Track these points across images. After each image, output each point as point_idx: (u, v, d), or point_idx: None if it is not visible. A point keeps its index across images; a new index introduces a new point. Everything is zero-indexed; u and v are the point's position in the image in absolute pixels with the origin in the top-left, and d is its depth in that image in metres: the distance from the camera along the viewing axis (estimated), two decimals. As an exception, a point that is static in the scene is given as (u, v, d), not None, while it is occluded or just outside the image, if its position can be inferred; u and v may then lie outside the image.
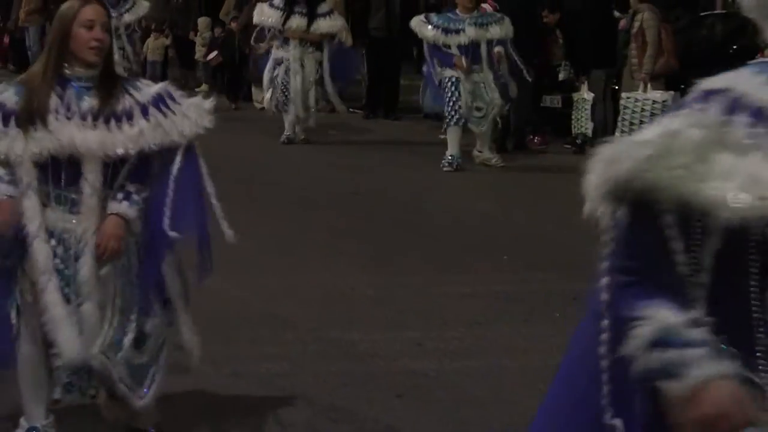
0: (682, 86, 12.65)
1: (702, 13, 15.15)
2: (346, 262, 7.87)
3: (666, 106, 12.20)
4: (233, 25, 17.98)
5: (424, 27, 11.92)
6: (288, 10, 13.21)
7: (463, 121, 11.81)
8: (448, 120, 11.86)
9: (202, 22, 19.71)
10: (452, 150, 11.88)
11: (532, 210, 9.99)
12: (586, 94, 13.49)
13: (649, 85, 12.43)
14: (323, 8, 13.51)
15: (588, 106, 13.44)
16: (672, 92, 12.29)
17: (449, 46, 11.73)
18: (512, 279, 7.54)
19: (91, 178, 4.34)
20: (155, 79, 20.56)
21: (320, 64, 13.33)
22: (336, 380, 5.64)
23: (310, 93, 13.35)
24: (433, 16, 12.07)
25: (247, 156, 12.52)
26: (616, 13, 13.52)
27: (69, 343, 4.35)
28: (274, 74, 13.32)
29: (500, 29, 11.77)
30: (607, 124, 13.21)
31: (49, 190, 4.38)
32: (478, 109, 11.82)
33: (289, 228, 8.95)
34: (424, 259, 8.04)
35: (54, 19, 4.51)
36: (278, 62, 13.31)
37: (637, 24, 12.57)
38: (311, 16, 13.25)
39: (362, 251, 8.22)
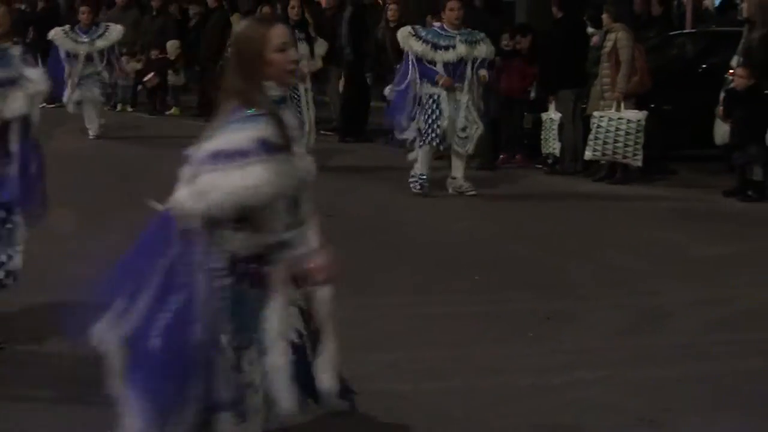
0: (653, 105, 12.76)
1: (672, 33, 15.25)
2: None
3: (640, 125, 12.29)
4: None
5: (412, 40, 11.53)
6: None
7: (438, 141, 11.46)
8: (423, 137, 11.44)
9: (171, 45, 19.70)
10: (423, 169, 11.64)
11: (505, 230, 10.01)
12: (553, 114, 13.55)
13: (622, 105, 12.50)
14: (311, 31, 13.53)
15: (555, 126, 13.49)
16: (645, 111, 12.38)
17: (435, 63, 11.40)
18: (486, 299, 7.55)
19: None
20: (125, 103, 20.53)
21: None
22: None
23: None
24: (421, 30, 11.75)
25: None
26: (590, 29, 13.57)
27: None
28: None
29: (486, 48, 11.56)
30: (576, 143, 13.28)
31: None
32: (462, 129, 11.45)
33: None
34: (398, 280, 8.05)
35: (235, 43, 4.36)
36: None
37: (610, 43, 12.64)
38: (311, 41, 13.30)
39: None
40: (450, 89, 11.41)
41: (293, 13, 13.14)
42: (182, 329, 3.94)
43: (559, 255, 8.79)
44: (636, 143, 12.35)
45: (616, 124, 12.44)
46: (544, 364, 6.22)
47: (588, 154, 12.75)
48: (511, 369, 6.13)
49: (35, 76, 6.61)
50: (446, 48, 11.36)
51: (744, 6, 6.24)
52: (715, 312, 7.37)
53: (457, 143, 11.55)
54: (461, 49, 11.35)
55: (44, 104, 7.70)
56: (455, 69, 11.39)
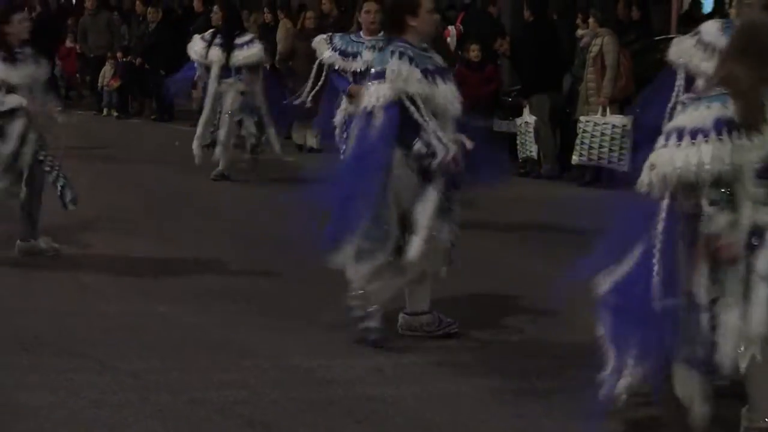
0: (638, 110, 12.78)
1: (656, 38, 15.29)
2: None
3: (625, 130, 12.31)
4: None
5: (324, 46, 9.90)
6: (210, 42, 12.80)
7: None
8: None
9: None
10: None
11: (485, 234, 9.97)
12: (528, 118, 13.56)
13: (608, 109, 12.54)
14: (243, 38, 12.91)
15: (531, 129, 13.51)
16: (631, 116, 12.41)
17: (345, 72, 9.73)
18: (468, 304, 7.56)
19: None
20: (111, 107, 20.41)
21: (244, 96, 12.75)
22: (294, 407, 5.62)
23: (229, 127, 12.73)
24: (336, 37, 9.95)
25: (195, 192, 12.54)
26: (579, 31, 13.56)
27: None
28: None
29: None
30: (554, 146, 13.28)
31: None
32: None
33: (244, 257, 8.91)
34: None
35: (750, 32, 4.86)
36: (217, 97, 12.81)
37: (596, 48, 12.69)
38: (229, 48, 12.71)
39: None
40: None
41: None
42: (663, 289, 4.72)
43: (539, 257, 8.78)
44: (621, 148, 12.38)
45: (602, 128, 12.48)
46: (528, 369, 6.22)
47: (575, 159, 12.78)
48: (495, 374, 6.13)
49: None
50: (354, 56, 9.65)
51: (732, 12, 6.32)
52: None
53: None
54: (367, 56, 9.32)
55: None
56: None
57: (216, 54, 12.66)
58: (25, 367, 6.12)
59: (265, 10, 18.06)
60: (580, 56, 13.07)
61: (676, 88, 6.41)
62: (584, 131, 12.54)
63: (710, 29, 6.42)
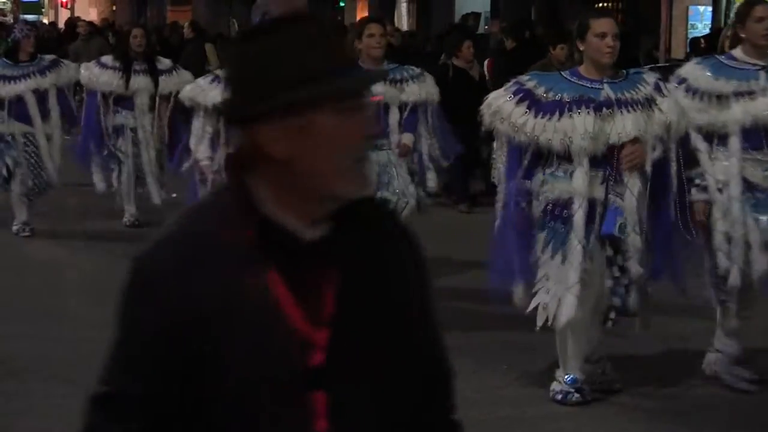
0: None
1: (649, 66, 15.37)
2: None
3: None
4: None
5: None
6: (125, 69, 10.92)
7: None
8: None
9: None
10: None
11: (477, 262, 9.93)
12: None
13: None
14: (164, 64, 11.28)
15: None
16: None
17: None
18: (460, 331, 7.52)
19: None
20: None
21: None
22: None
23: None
24: None
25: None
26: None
27: None
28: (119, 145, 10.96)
29: (420, 88, 8.09)
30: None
31: None
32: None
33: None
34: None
35: None
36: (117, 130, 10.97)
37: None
38: (154, 74, 11.05)
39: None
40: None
41: None
42: None
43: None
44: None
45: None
46: (519, 396, 6.20)
47: None
48: (487, 401, 6.11)
49: None
50: None
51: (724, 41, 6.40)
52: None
53: None
54: (379, 89, 7.70)
55: None
56: (378, 118, 7.70)
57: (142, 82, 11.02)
58: (12, 393, 6.08)
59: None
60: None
61: None
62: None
63: None
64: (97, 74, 10.95)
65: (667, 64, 16.74)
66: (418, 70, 8.20)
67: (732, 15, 10.50)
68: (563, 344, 6.09)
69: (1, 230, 10.76)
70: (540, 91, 6.00)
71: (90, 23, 23.90)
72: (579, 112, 5.85)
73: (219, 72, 7.94)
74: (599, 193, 5.90)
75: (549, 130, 5.89)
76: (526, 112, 5.95)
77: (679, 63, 16.48)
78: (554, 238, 5.90)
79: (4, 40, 14.11)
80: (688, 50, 19.62)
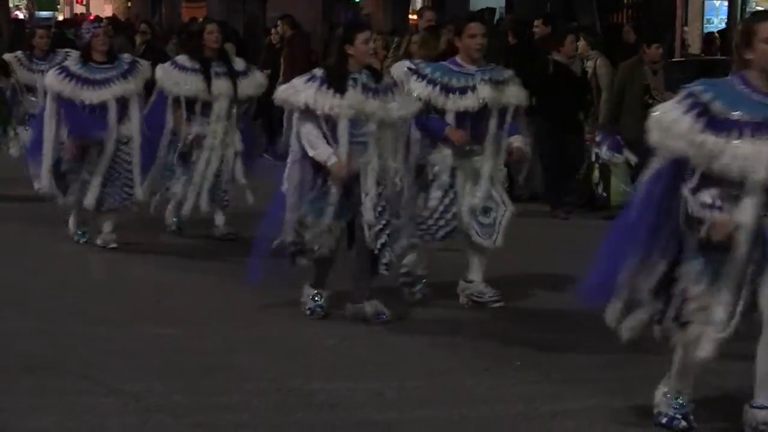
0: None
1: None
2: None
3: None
4: None
5: (409, 77, 7.90)
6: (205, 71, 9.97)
7: (445, 232, 7.99)
8: (423, 229, 8.00)
9: None
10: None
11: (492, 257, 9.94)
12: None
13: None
14: (240, 65, 10.36)
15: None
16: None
17: (444, 112, 7.88)
18: (473, 329, 7.53)
19: None
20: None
21: None
22: (296, 430, 5.62)
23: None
24: (423, 64, 8.09)
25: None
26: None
27: None
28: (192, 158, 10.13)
29: (516, 91, 8.03)
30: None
31: None
32: (485, 212, 7.92)
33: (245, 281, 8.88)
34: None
35: None
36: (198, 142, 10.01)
37: (589, 71, 12.67)
38: (233, 76, 10.14)
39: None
40: (462, 151, 7.88)
41: None
42: None
43: (543, 282, 8.75)
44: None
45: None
46: (532, 393, 6.20)
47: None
48: (498, 398, 6.11)
49: None
50: (462, 90, 7.83)
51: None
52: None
53: (480, 233, 7.94)
54: (484, 92, 7.77)
55: None
56: (474, 122, 7.84)
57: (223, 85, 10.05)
58: (26, 389, 6.10)
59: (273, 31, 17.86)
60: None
61: None
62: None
63: None
64: (176, 77, 9.96)
65: (683, 59, 16.79)
66: (511, 72, 8.10)
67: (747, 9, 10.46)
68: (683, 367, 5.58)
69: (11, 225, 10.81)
70: (716, 108, 5.26)
71: (112, 19, 23.65)
72: (766, 138, 5.16)
73: (316, 71, 7.51)
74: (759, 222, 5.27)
75: (728, 154, 5.17)
76: (704, 130, 5.22)
77: (697, 58, 16.58)
78: (709, 270, 5.30)
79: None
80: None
